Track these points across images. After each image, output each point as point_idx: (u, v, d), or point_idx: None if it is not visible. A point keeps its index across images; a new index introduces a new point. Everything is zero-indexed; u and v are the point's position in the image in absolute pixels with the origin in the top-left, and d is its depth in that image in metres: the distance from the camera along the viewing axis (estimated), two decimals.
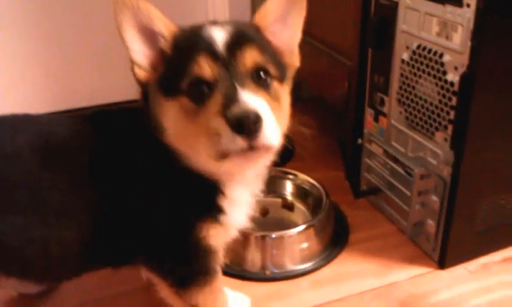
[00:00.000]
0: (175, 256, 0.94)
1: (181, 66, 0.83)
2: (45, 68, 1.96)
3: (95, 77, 2.03)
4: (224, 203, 0.92)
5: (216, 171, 0.88)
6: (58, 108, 2.01)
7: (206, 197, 0.92)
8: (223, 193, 0.92)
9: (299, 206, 1.45)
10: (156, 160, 0.90)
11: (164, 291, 0.97)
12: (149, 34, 0.86)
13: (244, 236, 1.19)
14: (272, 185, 1.47)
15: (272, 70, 0.86)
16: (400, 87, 1.25)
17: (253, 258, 1.22)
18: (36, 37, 1.91)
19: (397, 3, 1.22)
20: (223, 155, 0.78)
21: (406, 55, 1.22)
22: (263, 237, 1.22)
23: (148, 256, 0.95)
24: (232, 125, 0.75)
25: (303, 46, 1.81)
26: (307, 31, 1.86)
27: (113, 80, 2.03)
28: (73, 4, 1.91)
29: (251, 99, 0.77)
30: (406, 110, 1.25)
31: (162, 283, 0.96)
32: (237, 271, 1.22)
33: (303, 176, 1.47)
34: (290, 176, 1.49)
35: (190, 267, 0.96)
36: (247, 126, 0.75)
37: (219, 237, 0.94)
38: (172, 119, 0.85)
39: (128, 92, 2.02)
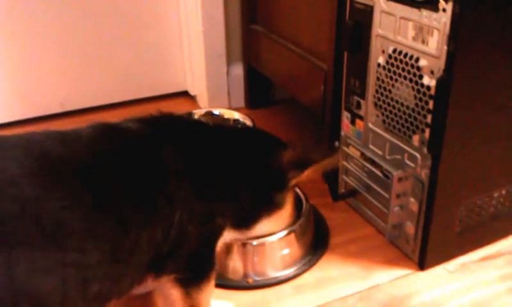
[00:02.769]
0: (202, 258, 0.99)
1: None
2: (10, 74, 1.91)
3: (67, 82, 1.99)
4: None
5: None
6: (25, 116, 1.96)
7: None
8: None
9: None
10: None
11: (175, 293, 0.97)
12: None
13: (226, 245, 1.18)
14: None
15: None
16: (377, 91, 1.26)
17: (235, 266, 1.21)
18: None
19: (372, 7, 1.22)
20: None
21: (381, 59, 1.22)
22: (244, 245, 1.21)
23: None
24: None
25: (276, 47, 1.81)
26: (280, 33, 1.86)
27: (85, 86, 1.99)
28: (48, 7, 1.86)
29: None
30: (382, 114, 1.26)
31: (175, 285, 0.97)
32: (220, 280, 1.20)
33: None
34: None
35: (209, 266, 1.01)
36: None
37: None
38: None
39: (101, 98, 2.00)
